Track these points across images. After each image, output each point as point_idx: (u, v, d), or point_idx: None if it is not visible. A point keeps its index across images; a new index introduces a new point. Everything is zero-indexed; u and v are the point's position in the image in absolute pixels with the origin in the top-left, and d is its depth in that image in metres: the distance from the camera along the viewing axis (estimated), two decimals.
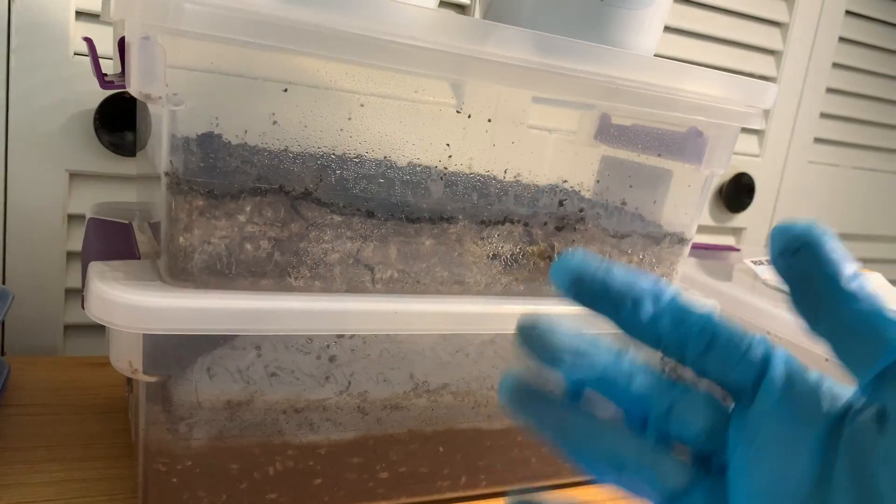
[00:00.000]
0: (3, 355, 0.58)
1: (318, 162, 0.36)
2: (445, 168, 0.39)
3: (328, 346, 0.38)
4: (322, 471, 0.40)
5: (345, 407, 0.40)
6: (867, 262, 1.07)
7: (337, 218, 0.36)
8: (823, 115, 0.98)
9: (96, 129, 0.58)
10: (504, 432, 0.45)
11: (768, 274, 0.65)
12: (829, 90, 0.97)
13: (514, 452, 0.46)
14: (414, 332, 0.39)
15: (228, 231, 0.34)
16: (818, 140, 0.99)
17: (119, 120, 0.58)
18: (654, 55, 0.44)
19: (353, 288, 0.38)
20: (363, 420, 0.41)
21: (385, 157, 0.37)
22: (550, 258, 0.42)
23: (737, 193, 0.92)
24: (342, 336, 0.38)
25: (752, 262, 0.67)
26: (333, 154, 0.36)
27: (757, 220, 0.97)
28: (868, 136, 1.03)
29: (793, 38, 0.91)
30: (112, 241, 0.42)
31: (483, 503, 0.45)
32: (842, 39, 0.95)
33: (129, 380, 0.46)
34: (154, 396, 0.36)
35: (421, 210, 0.38)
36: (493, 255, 0.41)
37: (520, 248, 0.42)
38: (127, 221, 0.46)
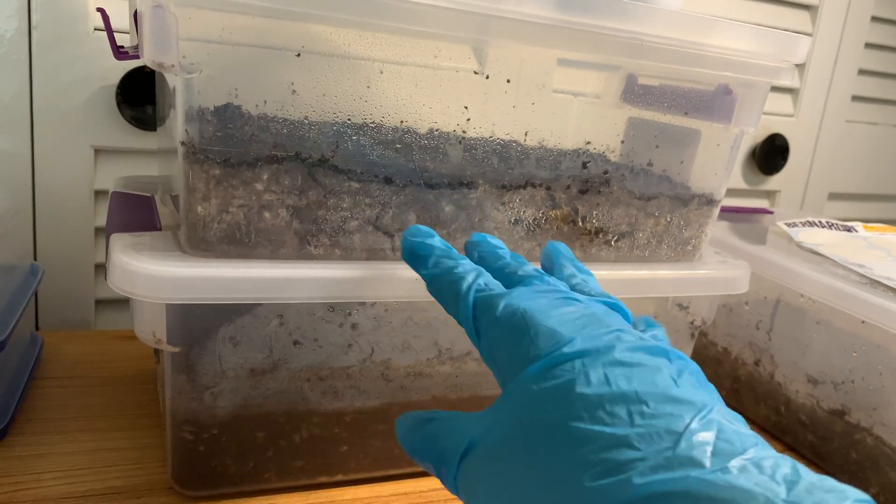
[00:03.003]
0: (37, 330, 0.59)
1: (334, 129, 0.35)
2: (464, 132, 0.38)
3: (350, 313, 0.38)
4: (348, 438, 0.41)
5: (368, 374, 0.40)
6: None
7: (355, 185, 0.36)
8: (862, 72, 0.94)
9: (119, 104, 0.58)
10: None
11: (803, 236, 0.63)
12: (868, 45, 0.93)
13: None
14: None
15: (246, 199, 0.34)
16: (856, 98, 0.95)
17: (141, 95, 0.58)
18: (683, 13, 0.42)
19: (374, 255, 0.37)
20: (387, 387, 0.40)
21: (402, 122, 0.36)
22: (574, 222, 0.42)
23: (771, 155, 0.90)
24: (364, 304, 0.38)
25: (787, 224, 0.66)
26: (350, 121, 0.35)
27: (792, 183, 0.94)
28: None
29: None
30: (134, 213, 0.42)
31: None
32: None
33: (157, 351, 0.47)
34: (179, 366, 0.36)
35: (440, 175, 0.38)
36: (515, 220, 0.40)
37: (542, 213, 0.41)
38: (149, 194, 0.46)
